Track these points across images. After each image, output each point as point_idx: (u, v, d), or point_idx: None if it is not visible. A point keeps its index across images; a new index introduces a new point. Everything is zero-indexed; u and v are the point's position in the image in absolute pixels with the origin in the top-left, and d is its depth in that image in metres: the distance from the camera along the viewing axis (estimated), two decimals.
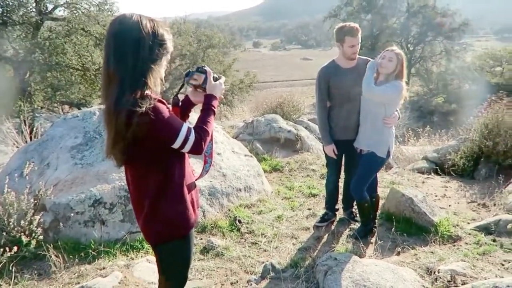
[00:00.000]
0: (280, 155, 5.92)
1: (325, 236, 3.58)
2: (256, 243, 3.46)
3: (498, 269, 2.96)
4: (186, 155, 1.66)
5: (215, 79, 1.75)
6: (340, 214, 3.93)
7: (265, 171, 5.23)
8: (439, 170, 5.76)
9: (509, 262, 3.04)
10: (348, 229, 3.67)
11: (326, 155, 3.56)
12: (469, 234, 3.52)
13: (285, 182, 5.06)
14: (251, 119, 7.06)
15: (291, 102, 7.97)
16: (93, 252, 3.08)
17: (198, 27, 22.07)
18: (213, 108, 1.69)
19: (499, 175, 4.71)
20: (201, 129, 1.59)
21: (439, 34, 27.31)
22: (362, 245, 3.22)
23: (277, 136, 6.30)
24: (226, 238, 3.52)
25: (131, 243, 3.30)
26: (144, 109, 1.37)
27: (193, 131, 1.53)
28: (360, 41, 3.18)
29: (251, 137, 6.39)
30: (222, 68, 18.58)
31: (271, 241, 3.47)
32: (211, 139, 1.77)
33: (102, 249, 3.13)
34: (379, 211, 3.79)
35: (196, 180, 1.79)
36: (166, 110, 1.48)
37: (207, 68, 1.74)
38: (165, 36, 1.50)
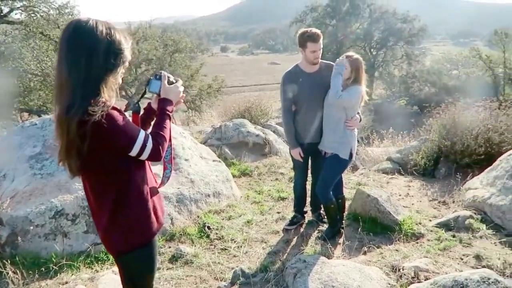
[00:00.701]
0: (249, 160, 5.93)
1: (294, 239, 3.61)
2: (225, 249, 3.43)
3: (458, 263, 3.10)
4: (146, 162, 1.62)
5: (171, 83, 1.69)
6: (309, 216, 3.98)
7: (234, 176, 5.22)
8: (402, 170, 5.97)
9: (467, 256, 3.19)
10: (316, 231, 3.72)
11: (293, 159, 3.60)
12: (431, 231, 3.66)
13: (254, 186, 5.06)
14: (219, 124, 7.03)
15: (259, 106, 8.01)
16: (54, 267, 2.95)
17: (164, 31, 21.78)
18: (167, 112, 1.63)
19: (457, 173, 4.94)
20: (158, 136, 1.54)
21: (400, 39, 28.45)
22: (330, 246, 3.27)
23: (245, 141, 6.31)
24: (195, 245, 3.47)
25: (96, 255, 3.18)
26: (96, 117, 1.32)
27: (150, 138, 1.49)
28: (322, 46, 3.24)
29: (219, 142, 6.36)
30: (190, 73, 18.42)
31: (241, 246, 3.46)
32: (170, 145, 1.73)
33: (65, 262, 3.00)
34: (346, 212, 3.87)
35: (158, 187, 1.74)
36: (120, 117, 1.43)
37: (163, 72, 1.68)
38: (122, 44, 1.45)
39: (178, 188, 4.01)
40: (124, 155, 1.47)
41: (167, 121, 1.62)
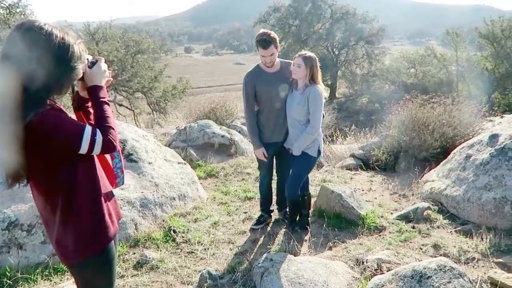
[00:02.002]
0: (215, 161, 5.89)
1: (262, 238, 3.62)
2: (192, 252, 3.39)
3: (418, 253, 3.23)
4: (96, 163, 1.54)
5: (92, 65, 1.52)
6: (275, 215, 4.01)
7: (200, 178, 5.16)
8: (365, 165, 6.15)
9: (426, 246, 3.33)
10: (283, 229, 3.75)
11: (257, 158, 3.61)
12: (392, 223, 3.80)
13: (220, 187, 5.03)
14: (184, 126, 6.93)
15: (224, 107, 7.98)
16: (8, 281, 2.78)
17: (126, 32, 21.21)
18: (102, 100, 1.50)
19: (416, 167, 5.16)
20: (104, 128, 1.44)
21: (360, 39, 29.30)
22: (297, 244, 3.30)
23: (211, 142, 6.26)
24: (160, 250, 3.39)
25: (55, 266, 3.03)
26: (35, 120, 1.26)
27: (98, 131, 1.41)
28: (274, 51, 3.20)
29: (184, 144, 6.27)
30: (153, 74, 18.04)
31: (208, 249, 3.42)
32: (120, 154, 1.67)
33: (20, 276, 2.83)
34: (311, 209, 3.94)
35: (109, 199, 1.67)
36: (61, 117, 1.35)
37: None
38: (74, 58, 1.37)
39: (142, 192, 3.91)
40: (70, 156, 1.39)
41: (107, 109, 1.50)
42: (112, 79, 1.63)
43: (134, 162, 4.21)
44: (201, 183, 4.93)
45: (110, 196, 1.61)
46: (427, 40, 77.72)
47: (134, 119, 16.83)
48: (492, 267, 2.95)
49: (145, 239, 3.51)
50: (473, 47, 25.31)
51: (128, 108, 17.56)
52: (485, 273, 2.84)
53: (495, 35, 19.91)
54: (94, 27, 18.77)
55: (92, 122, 1.53)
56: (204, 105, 8.27)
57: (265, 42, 3.16)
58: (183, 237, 3.61)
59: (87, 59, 1.50)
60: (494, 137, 3.98)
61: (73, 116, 1.53)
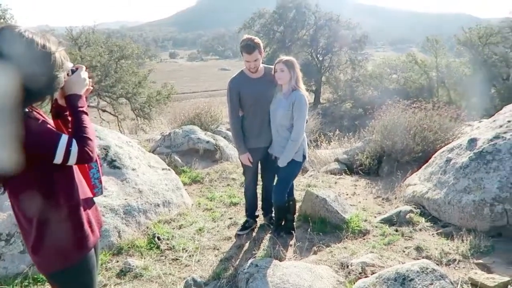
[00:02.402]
0: (200, 166, 5.86)
1: (247, 244, 3.61)
2: (177, 259, 3.35)
3: (401, 256, 3.28)
4: (75, 170, 1.52)
5: (71, 73, 1.49)
6: (260, 220, 4.01)
7: (184, 184, 5.13)
8: (349, 170, 6.22)
9: (409, 249, 3.38)
10: (269, 234, 3.75)
11: (242, 163, 3.61)
12: (376, 227, 3.84)
13: (205, 193, 5.01)
14: (168, 132, 6.88)
15: (209, 112, 7.96)
16: None
17: (109, 37, 20.99)
18: (80, 109, 1.47)
19: (398, 171, 5.24)
20: (81, 138, 1.41)
21: (344, 45, 29.74)
22: (282, 249, 3.31)
23: (196, 147, 6.23)
24: (144, 258, 3.34)
25: (34, 276, 2.95)
26: None
27: (74, 142, 1.38)
28: (258, 57, 3.24)
29: (169, 150, 6.22)
30: (137, 80, 17.88)
31: (193, 255, 3.39)
32: (98, 165, 1.64)
33: None
34: (296, 214, 3.95)
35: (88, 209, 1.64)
36: (36, 125, 1.33)
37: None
38: (56, 66, 1.34)
39: (126, 199, 3.86)
40: (47, 164, 1.36)
41: (85, 119, 1.47)
42: (92, 87, 1.60)
43: (117, 168, 4.15)
44: (186, 189, 4.89)
45: (90, 203, 1.58)
46: (408, 46, 79.42)
47: (118, 125, 16.62)
48: (473, 268, 3.02)
49: (129, 247, 3.45)
50: (452, 54, 26.00)
51: (112, 114, 17.34)
52: (466, 274, 2.90)
53: (473, 42, 20.51)
54: (77, 32, 18.51)
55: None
56: (189, 111, 8.23)
57: (249, 47, 3.18)
58: (167, 244, 3.58)
59: (71, 67, 1.48)
60: (472, 141, 4.09)
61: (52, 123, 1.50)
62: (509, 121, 4.00)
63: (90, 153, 1.41)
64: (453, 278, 2.77)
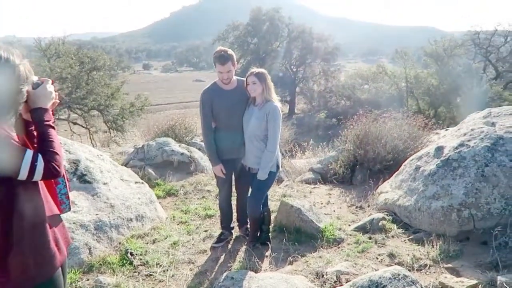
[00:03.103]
0: (174, 179, 5.78)
1: (223, 256, 3.58)
2: (151, 275, 3.27)
3: (374, 263, 3.33)
4: (41, 186, 1.47)
5: (36, 86, 1.45)
6: (236, 232, 3.98)
7: (158, 197, 5.04)
8: (323, 179, 6.30)
9: (382, 256, 3.45)
10: (244, 246, 3.73)
11: (216, 175, 3.60)
12: (350, 235, 3.90)
13: (180, 206, 4.93)
14: (141, 144, 6.77)
15: (183, 124, 7.89)
16: None
17: (80, 48, 20.56)
18: (47, 122, 1.44)
19: (371, 179, 5.36)
20: (47, 153, 1.37)
21: (317, 57, 30.39)
22: (258, 260, 3.29)
23: (170, 160, 6.16)
24: (117, 275, 3.24)
25: None
26: None
27: (40, 157, 1.34)
28: (231, 68, 3.27)
29: (142, 163, 6.11)
30: (110, 92, 17.56)
31: (167, 270, 3.32)
32: (66, 178, 1.60)
33: None
34: (272, 224, 3.96)
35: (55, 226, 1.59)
36: (0, 140, 1.29)
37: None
38: (20, 80, 1.31)
39: (97, 215, 3.74)
40: (12, 182, 1.31)
41: (51, 133, 1.43)
42: (58, 101, 1.57)
43: (88, 183, 4.04)
44: (160, 202, 4.81)
45: (57, 220, 1.53)
46: (378, 58, 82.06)
47: (90, 138, 16.20)
48: (443, 273, 3.10)
49: (100, 264, 3.34)
50: (420, 65, 27.06)
51: (83, 127, 16.90)
52: (436, 279, 2.98)
53: (439, 53, 21.44)
54: (46, 43, 18.05)
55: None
56: (163, 123, 8.13)
57: (222, 58, 3.21)
58: (140, 259, 3.49)
59: (35, 80, 1.44)
60: (439, 149, 4.25)
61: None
62: (472, 129, 4.19)
63: (57, 168, 1.37)
64: (424, 283, 2.84)
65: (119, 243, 3.69)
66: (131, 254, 3.50)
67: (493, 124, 4.16)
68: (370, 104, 15.77)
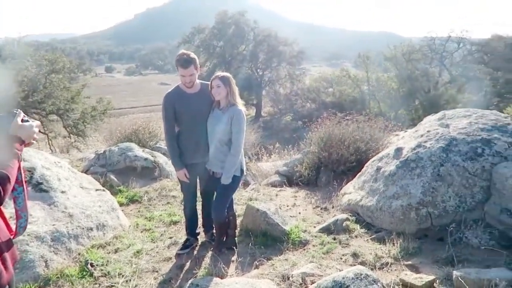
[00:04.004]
0: (138, 185, 5.63)
1: (188, 263, 3.51)
2: (112, 286, 3.15)
3: (339, 264, 3.39)
4: None
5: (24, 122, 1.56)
6: (202, 237, 3.93)
7: (121, 204, 4.89)
8: (289, 181, 6.37)
9: (346, 256, 3.52)
10: (210, 252, 3.68)
11: (180, 180, 3.54)
12: (315, 236, 3.95)
13: (144, 213, 4.81)
14: (103, 150, 6.54)
15: (147, 128, 7.71)
16: None
17: (38, 49, 19.68)
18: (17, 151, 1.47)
19: (335, 180, 5.47)
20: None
21: (282, 61, 30.80)
22: (223, 266, 3.26)
23: (133, 165, 5.99)
24: (75, 287, 3.10)
25: None
26: None
27: None
28: (194, 72, 3.24)
29: (104, 169, 5.91)
30: (70, 95, 16.90)
31: (130, 280, 3.21)
32: (23, 190, 1.53)
33: None
34: (238, 229, 3.94)
35: (13, 238, 1.51)
36: None
37: (19, 111, 1.57)
38: None
39: (53, 225, 3.56)
40: None
41: (14, 160, 1.43)
42: (34, 142, 1.63)
43: (44, 192, 3.84)
44: (122, 210, 4.66)
45: (8, 245, 1.45)
46: (342, 62, 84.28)
47: (49, 144, 15.50)
48: (403, 270, 3.21)
49: (58, 277, 3.18)
50: (381, 69, 28.10)
51: (42, 132, 16.14)
52: (397, 276, 3.07)
53: (398, 58, 22.36)
54: (0, 43, 17.13)
55: None
56: (126, 127, 7.90)
57: (185, 61, 3.17)
58: (102, 270, 3.35)
59: (25, 117, 1.53)
60: (398, 150, 4.41)
61: None
62: (428, 131, 4.38)
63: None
64: (386, 281, 2.92)
65: (79, 254, 3.54)
66: (91, 265, 3.36)
67: (447, 126, 4.37)
68: (334, 107, 16.16)
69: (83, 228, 3.77)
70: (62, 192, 3.99)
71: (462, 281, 2.68)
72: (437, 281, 2.89)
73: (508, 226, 3.27)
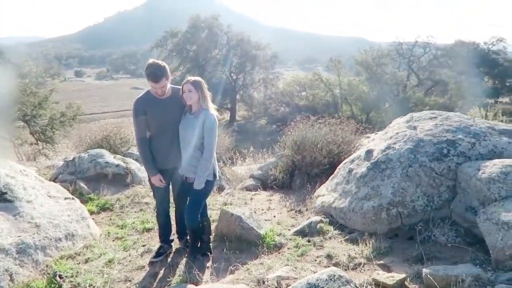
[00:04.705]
0: (109, 192, 5.49)
1: (162, 271, 3.45)
2: None
3: (313, 266, 3.42)
4: None
5: None
6: (176, 244, 3.87)
7: (92, 213, 4.75)
8: (264, 185, 6.38)
9: (320, 258, 3.56)
10: (184, 258, 3.63)
11: (152, 186, 3.49)
12: (290, 239, 3.98)
13: (116, 221, 4.69)
14: (72, 157, 6.34)
15: (118, 134, 7.53)
16: None
17: (2, 53, 18.92)
18: None
19: (309, 183, 5.53)
20: None
21: (256, 65, 30.98)
22: (198, 272, 3.22)
23: (104, 172, 5.83)
24: None
25: None
26: None
27: None
28: (165, 83, 3.21)
29: (73, 177, 5.72)
30: (37, 101, 16.33)
31: None
32: None
33: None
34: (212, 234, 3.91)
35: None
36: None
37: None
38: None
39: (19, 237, 3.41)
40: None
41: None
42: None
43: (8, 202, 3.68)
44: (93, 219, 4.53)
45: None
46: (314, 66, 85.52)
47: (15, 151, 14.88)
48: (376, 269, 3.28)
49: None
50: (352, 73, 28.79)
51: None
52: (370, 276, 3.14)
53: (368, 62, 22.97)
54: None
55: None
56: (96, 133, 7.69)
57: (155, 76, 3.14)
58: (71, 281, 3.24)
59: None
60: (369, 152, 4.51)
61: None
62: (397, 133, 4.52)
63: None
64: (359, 281, 2.97)
65: (46, 266, 3.41)
66: (60, 276, 3.24)
67: (415, 128, 4.52)
68: (308, 110, 16.38)
69: (51, 239, 3.63)
70: (28, 201, 3.84)
71: (431, 278, 2.77)
72: (408, 279, 2.97)
73: (472, 223, 3.41)
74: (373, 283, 3.02)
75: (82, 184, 5.51)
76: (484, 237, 3.11)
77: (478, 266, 2.90)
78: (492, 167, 3.48)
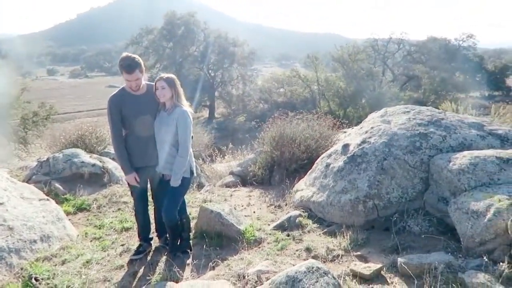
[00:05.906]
0: (86, 192, 5.38)
1: (141, 270, 3.42)
2: None
3: (293, 259, 3.48)
4: None
5: None
6: (155, 242, 3.84)
7: (68, 213, 4.65)
8: (244, 181, 6.41)
9: (299, 251, 3.62)
10: (164, 257, 3.62)
11: (129, 185, 3.44)
12: (270, 234, 4.02)
13: (93, 221, 4.61)
14: (46, 157, 6.17)
15: (94, 133, 7.37)
16: None
17: None
18: None
19: (288, 178, 5.59)
20: None
21: (234, 62, 30.88)
22: (178, 269, 3.22)
23: (80, 172, 5.71)
24: None
25: None
26: None
27: None
28: (139, 76, 3.18)
29: (47, 177, 5.58)
30: (8, 101, 15.74)
31: None
32: None
33: None
34: (193, 231, 3.90)
35: None
36: None
37: None
38: None
39: None
40: None
41: None
42: None
43: None
44: (69, 219, 4.44)
45: None
46: (292, 63, 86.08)
47: None
48: (353, 260, 3.36)
49: None
50: (329, 69, 29.13)
51: None
52: (348, 267, 3.21)
53: (344, 59, 23.29)
54: None
55: None
56: (71, 132, 7.50)
57: (129, 67, 3.09)
58: (48, 284, 3.17)
59: None
60: (346, 147, 4.61)
61: None
62: (372, 127, 4.62)
63: None
64: (337, 272, 3.04)
65: (21, 269, 3.32)
66: (36, 279, 3.17)
67: (389, 122, 4.64)
68: (286, 107, 16.50)
69: (25, 241, 3.54)
70: (0, 204, 3.73)
71: (406, 267, 2.87)
72: (384, 268, 3.06)
73: (444, 213, 3.54)
74: (351, 273, 3.10)
75: (57, 185, 5.38)
76: (455, 226, 3.24)
77: (450, 254, 3.02)
78: (462, 158, 3.62)
